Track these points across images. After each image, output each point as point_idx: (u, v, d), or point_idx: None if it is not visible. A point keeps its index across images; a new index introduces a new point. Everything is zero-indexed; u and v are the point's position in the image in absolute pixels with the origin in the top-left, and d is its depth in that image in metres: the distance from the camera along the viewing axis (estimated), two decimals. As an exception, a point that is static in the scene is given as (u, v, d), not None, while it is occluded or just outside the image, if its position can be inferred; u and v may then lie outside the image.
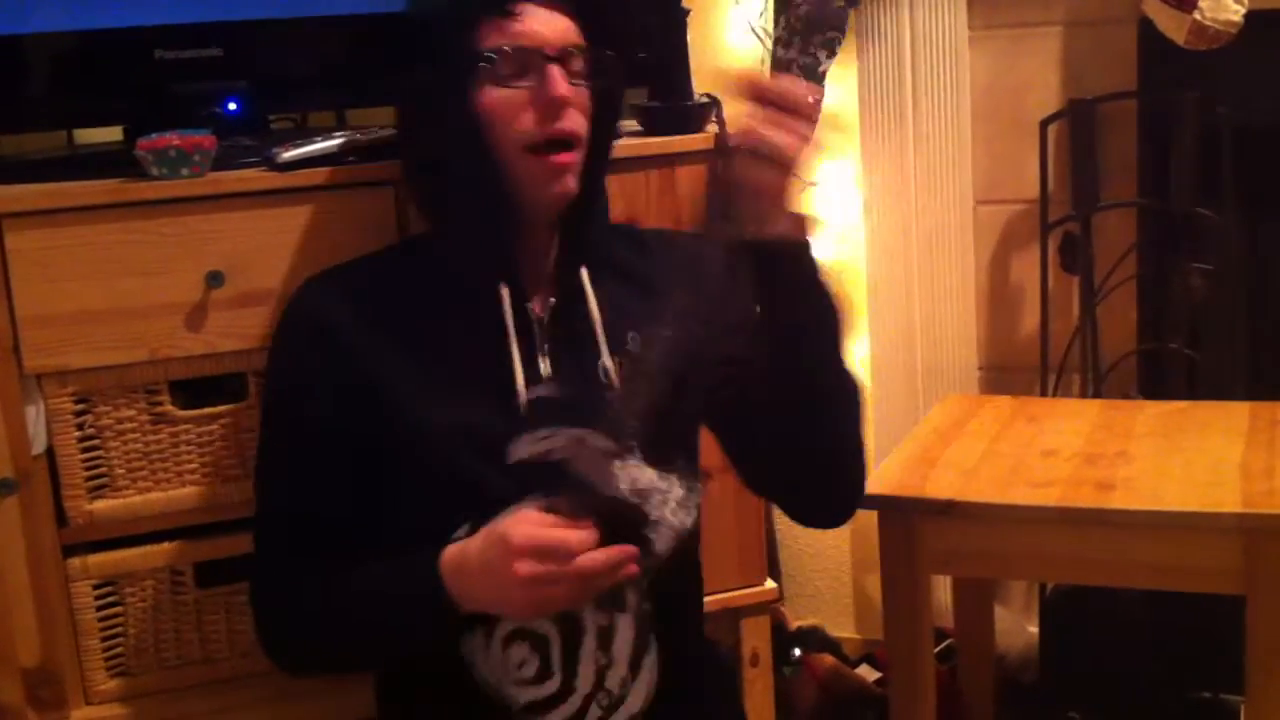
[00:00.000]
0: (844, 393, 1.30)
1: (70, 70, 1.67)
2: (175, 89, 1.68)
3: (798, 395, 1.27)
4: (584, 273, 1.36)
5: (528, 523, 1.18)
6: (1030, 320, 2.20)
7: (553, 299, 1.35)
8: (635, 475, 1.19)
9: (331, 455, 1.33)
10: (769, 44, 2.17)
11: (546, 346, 1.34)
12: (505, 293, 1.32)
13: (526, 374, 1.31)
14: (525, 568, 1.16)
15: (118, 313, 1.49)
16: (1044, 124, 2.13)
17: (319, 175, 1.56)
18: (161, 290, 1.51)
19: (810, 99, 1.18)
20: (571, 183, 1.32)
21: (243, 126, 1.71)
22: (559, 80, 1.28)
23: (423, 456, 1.29)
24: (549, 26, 1.30)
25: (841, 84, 2.22)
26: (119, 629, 1.55)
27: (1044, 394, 2.16)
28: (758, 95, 1.17)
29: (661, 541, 1.20)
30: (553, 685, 1.28)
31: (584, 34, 1.32)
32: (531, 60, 1.29)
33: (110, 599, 1.54)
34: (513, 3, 1.29)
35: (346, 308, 1.33)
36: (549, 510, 1.19)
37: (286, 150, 1.57)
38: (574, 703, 1.28)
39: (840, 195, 2.28)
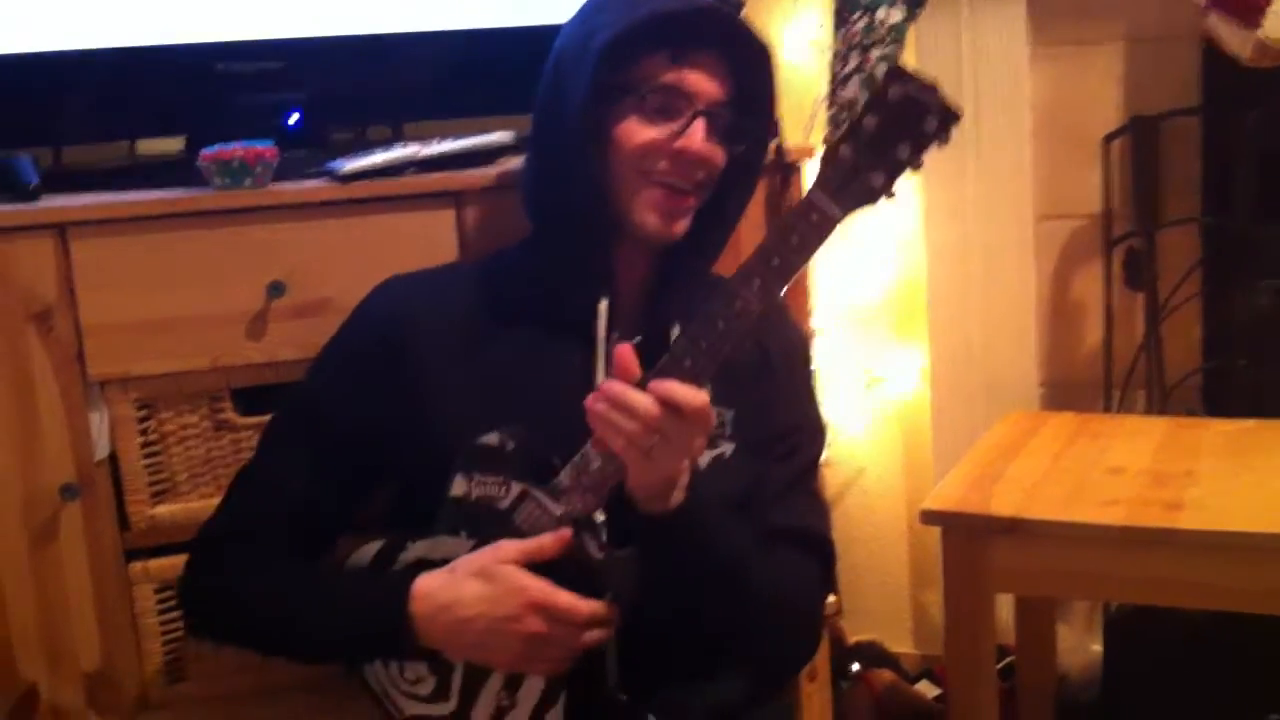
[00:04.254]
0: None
1: (133, 83, 1.69)
2: (236, 101, 1.70)
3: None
4: (676, 330, 1.35)
5: (540, 581, 1.22)
6: (1092, 336, 2.16)
7: (638, 338, 1.34)
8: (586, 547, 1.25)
9: (351, 461, 1.34)
10: (826, 58, 2.15)
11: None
12: (604, 306, 1.32)
13: None
14: (536, 625, 1.20)
15: (180, 321, 1.51)
16: (1106, 140, 2.10)
17: (380, 187, 1.57)
18: (223, 299, 1.53)
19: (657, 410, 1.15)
20: (679, 226, 1.33)
21: (302, 139, 1.73)
22: (699, 135, 1.30)
23: (432, 453, 1.30)
24: (707, 80, 1.31)
25: (900, 98, 2.19)
26: (179, 633, 1.57)
27: (1107, 411, 2.13)
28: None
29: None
30: (445, 708, 1.30)
31: (734, 98, 1.33)
32: (681, 106, 1.30)
33: (171, 603, 1.56)
34: (683, 48, 1.29)
35: (421, 315, 1.35)
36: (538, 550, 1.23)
37: (348, 162, 1.58)
38: None
39: (900, 209, 2.25)
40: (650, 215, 1.32)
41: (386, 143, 1.69)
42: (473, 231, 1.60)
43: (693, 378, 1.18)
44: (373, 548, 1.33)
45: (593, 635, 1.23)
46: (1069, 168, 2.15)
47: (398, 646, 1.27)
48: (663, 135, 1.30)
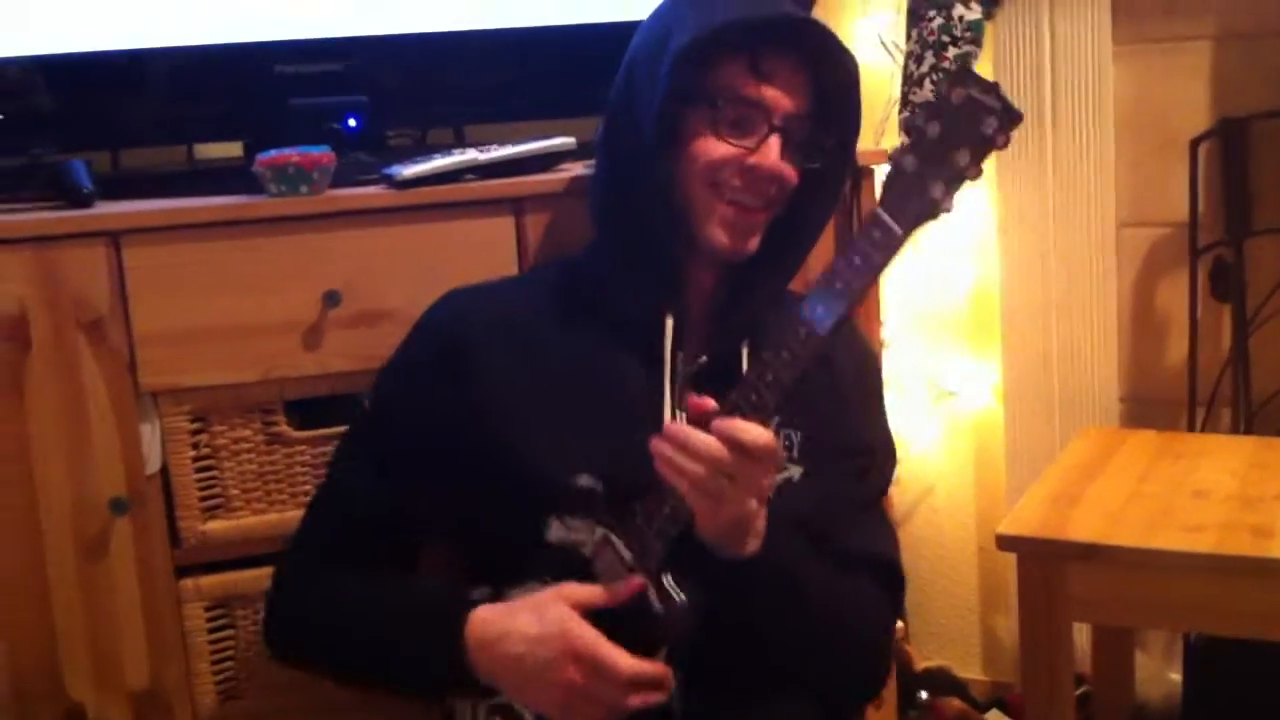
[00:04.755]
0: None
1: (190, 85, 1.67)
2: (294, 104, 1.67)
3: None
4: (744, 353, 1.31)
5: (590, 630, 1.17)
6: (1176, 350, 2.09)
7: (703, 357, 1.30)
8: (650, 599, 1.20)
9: (420, 469, 1.32)
10: (899, 58, 2.09)
11: (685, 404, 1.28)
12: (670, 324, 1.28)
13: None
14: (574, 674, 1.16)
15: (234, 331, 1.49)
16: (1194, 143, 2.02)
17: (439, 194, 1.54)
18: (278, 309, 1.50)
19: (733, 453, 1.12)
20: (751, 244, 1.29)
21: (362, 143, 1.69)
22: (773, 153, 1.25)
23: (527, 496, 1.27)
24: (787, 93, 1.26)
25: (976, 100, 2.13)
26: (230, 651, 1.54)
27: (1191, 429, 2.06)
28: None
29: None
30: None
31: (812, 110, 1.28)
32: (757, 120, 1.25)
33: (222, 621, 1.53)
34: (764, 58, 1.24)
35: (483, 328, 1.32)
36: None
37: (406, 167, 1.55)
38: None
39: (974, 214, 2.20)
40: (720, 232, 1.28)
41: (446, 147, 1.65)
42: (534, 239, 1.56)
43: (759, 413, 1.14)
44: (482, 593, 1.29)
45: (642, 698, 1.17)
46: (1153, 172, 2.09)
47: (451, 673, 1.23)
48: (737, 151, 1.26)
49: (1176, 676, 2.09)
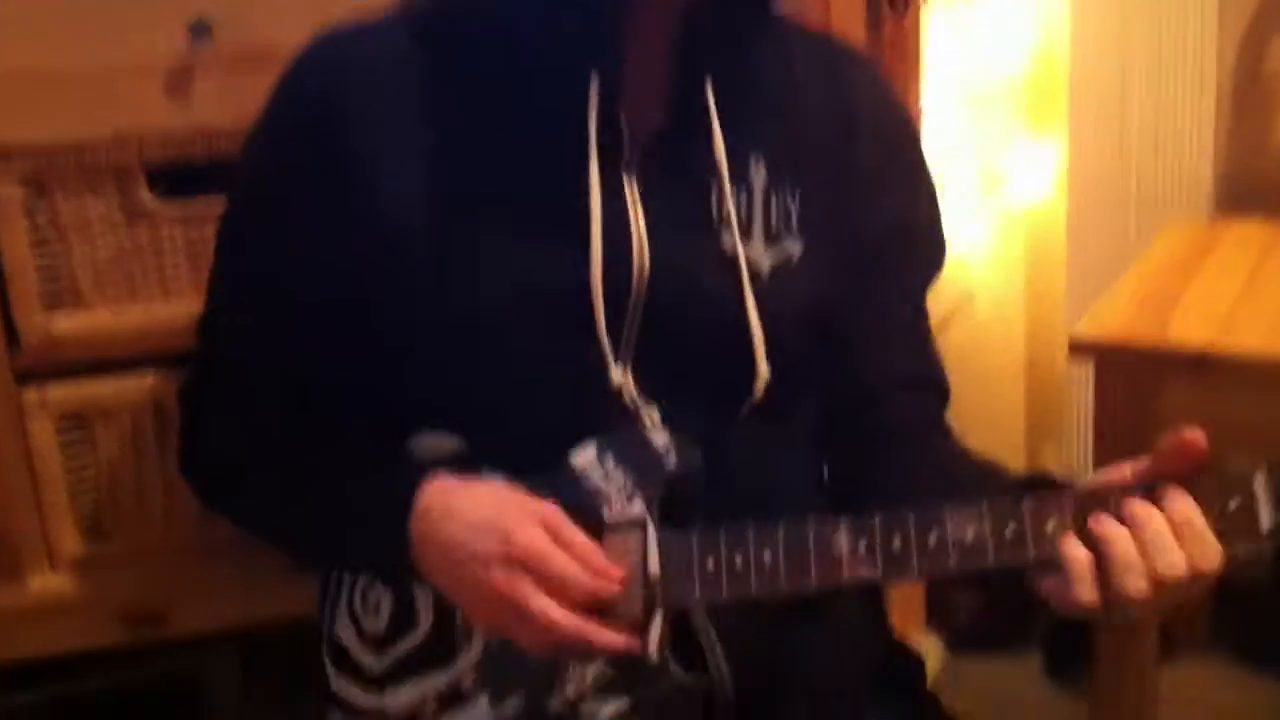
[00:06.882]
0: None
1: None
2: None
3: None
4: (710, 96, 1.07)
5: (540, 530, 0.97)
6: (1289, 123, 1.94)
7: (659, 115, 1.07)
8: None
9: (312, 270, 1.09)
10: None
11: (638, 173, 1.05)
12: (595, 90, 1.03)
13: (606, 203, 1.04)
14: (502, 580, 0.96)
15: (75, 74, 1.29)
16: None
17: (339, -114, 1.32)
18: (132, 45, 1.29)
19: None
20: None
21: None
22: None
23: (441, 296, 1.05)
24: None
25: None
26: (89, 478, 1.38)
27: (1308, 217, 1.92)
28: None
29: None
30: (413, 640, 1.08)
31: None
32: None
33: (78, 441, 1.37)
34: None
35: (368, 80, 1.08)
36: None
37: None
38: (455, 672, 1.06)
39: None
40: None
41: None
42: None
43: None
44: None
45: (608, 638, 0.96)
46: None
47: (387, 543, 1.03)
48: None
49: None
